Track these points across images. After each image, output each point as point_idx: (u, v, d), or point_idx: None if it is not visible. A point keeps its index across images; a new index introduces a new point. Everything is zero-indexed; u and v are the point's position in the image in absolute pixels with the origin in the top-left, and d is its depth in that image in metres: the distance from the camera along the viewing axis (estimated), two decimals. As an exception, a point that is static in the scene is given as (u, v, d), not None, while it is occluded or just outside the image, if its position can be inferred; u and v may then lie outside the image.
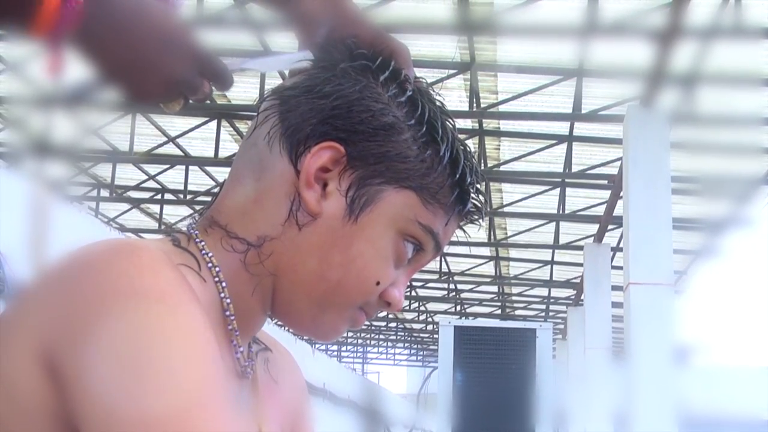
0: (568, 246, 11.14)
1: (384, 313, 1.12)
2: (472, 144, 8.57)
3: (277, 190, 0.96)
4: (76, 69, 0.93)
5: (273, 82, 7.63)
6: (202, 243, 0.96)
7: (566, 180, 9.27)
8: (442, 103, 1.01)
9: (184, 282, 0.85)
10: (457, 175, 0.98)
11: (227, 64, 0.99)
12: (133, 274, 0.80)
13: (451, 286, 14.84)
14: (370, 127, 0.95)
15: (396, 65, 1.00)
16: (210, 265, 0.95)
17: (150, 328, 0.79)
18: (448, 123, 0.99)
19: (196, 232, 0.98)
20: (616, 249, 10.10)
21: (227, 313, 0.95)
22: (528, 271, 13.34)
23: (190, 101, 0.99)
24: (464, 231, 1.03)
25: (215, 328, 0.88)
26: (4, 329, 0.84)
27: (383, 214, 0.95)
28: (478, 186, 1.01)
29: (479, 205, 1.01)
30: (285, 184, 0.96)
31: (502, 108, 7.78)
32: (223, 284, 0.95)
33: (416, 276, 12.34)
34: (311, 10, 1.05)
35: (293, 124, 0.96)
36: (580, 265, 10.23)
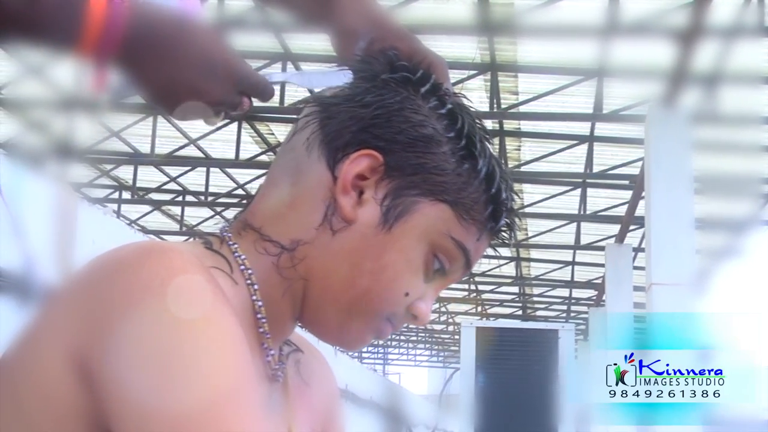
0: (589, 246, 11.10)
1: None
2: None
3: (313, 194, 0.96)
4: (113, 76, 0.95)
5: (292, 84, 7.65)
6: (235, 246, 0.96)
7: (587, 180, 9.24)
8: (479, 119, 1.01)
9: (215, 284, 0.85)
10: (493, 191, 0.98)
11: (268, 76, 1.00)
12: (164, 276, 0.81)
13: (472, 286, 14.82)
14: (410, 138, 0.95)
15: (436, 78, 1.00)
16: (243, 267, 0.95)
17: (181, 329, 0.79)
18: (485, 138, 0.99)
19: (229, 234, 0.98)
20: (637, 249, 10.06)
21: (259, 315, 0.95)
22: (549, 272, 13.30)
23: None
24: (494, 249, 1.03)
25: (246, 331, 0.88)
26: (36, 331, 0.85)
27: (417, 225, 0.95)
28: (513, 204, 1.00)
29: (512, 222, 1.01)
30: (321, 189, 0.96)
31: (522, 109, 7.77)
32: (255, 287, 0.94)
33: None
34: (350, 22, 1.05)
35: (333, 131, 0.96)
36: (602, 265, 10.20)
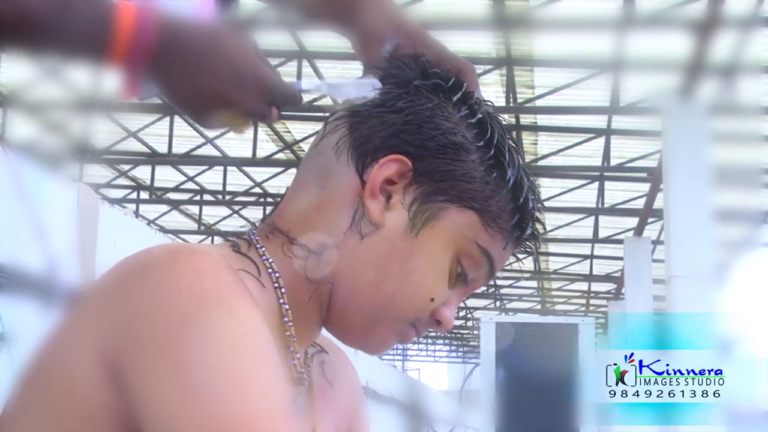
0: (607, 240, 11.06)
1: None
2: (509, 139, 8.52)
3: (341, 198, 0.96)
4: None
5: (308, 81, 7.63)
6: (263, 249, 0.97)
7: (605, 174, 9.21)
8: (508, 129, 1.02)
9: (243, 286, 0.85)
10: (520, 200, 0.99)
11: (297, 85, 1.00)
12: (194, 278, 0.81)
13: (491, 281, 14.76)
14: (439, 144, 0.96)
15: (467, 86, 1.01)
16: (270, 270, 0.95)
17: (209, 330, 0.79)
18: (513, 148, 1.00)
19: (257, 237, 0.98)
20: (656, 242, 10.02)
21: (285, 319, 0.95)
22: (568, 266, 13.27)
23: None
24: (517, 258, 1.04)
25: (273, 334, 0.88)
26: (66, 331, 0.86)
27: (444, 231, 0.96)
28: (538, 214, 1.01)
29: (537, 233, 1.02)
30: (349, 192, 0.96)
31: (538, 103, 7.75)
32: (282, 290, 0.95)
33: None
34: (374, 26, 1.05)
35: (363, 135, 0.97)
36: (620, 258, 10.17)
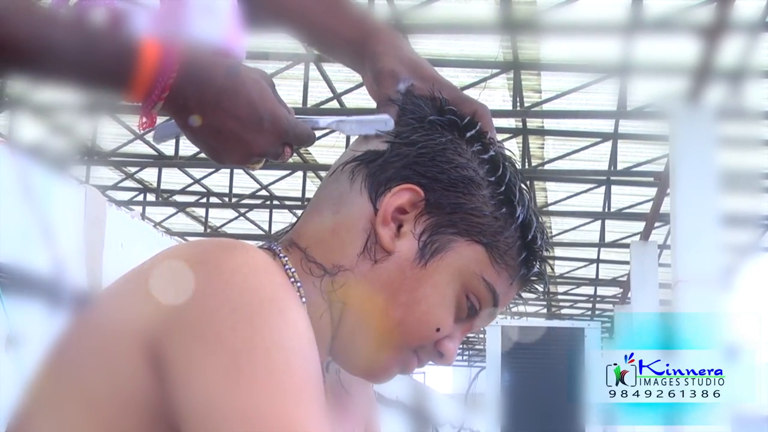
0: (614, 244, 11.05)
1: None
2: (515, 143, 8.54)
3: (354, 224, 0.99)
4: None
5: (315, 84, 7.66)
6: (285, 258, 0.98)
7: (611, 178, 9.21)
8: (520, 171, 1.04)
9: (293, 289, 0.89)
10: (528, 238, 1.01)
11: (311, 123, 1.02)
12: (247, 273, 0.83)
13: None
14: (451, 178, 0.98)
15: (481, 126, 1.03)
16: (292, 280, 0.97)
17: (257, 324, 0.81)
18: (524, 187, 1.02)
19: (279, 248, 1.00)
20: (662, 246, 10.00)
21: None
22: (574, 270, 13.26)
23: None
24: (522, 298, 1.06)
25: None
26: (105, 319, 0.87)
27: (452, 263, 0.98)
28: (545, 254, 1.04)
29: (544, 272, 1.05)
30: (362, 219, 0.98)
31: (545, 107, 7.75)
32: (304, 300, 0.96)
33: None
34: (390, 66, 1.07)
35: (377, 165, 0.99)
36: (627, 263, 10.15)
